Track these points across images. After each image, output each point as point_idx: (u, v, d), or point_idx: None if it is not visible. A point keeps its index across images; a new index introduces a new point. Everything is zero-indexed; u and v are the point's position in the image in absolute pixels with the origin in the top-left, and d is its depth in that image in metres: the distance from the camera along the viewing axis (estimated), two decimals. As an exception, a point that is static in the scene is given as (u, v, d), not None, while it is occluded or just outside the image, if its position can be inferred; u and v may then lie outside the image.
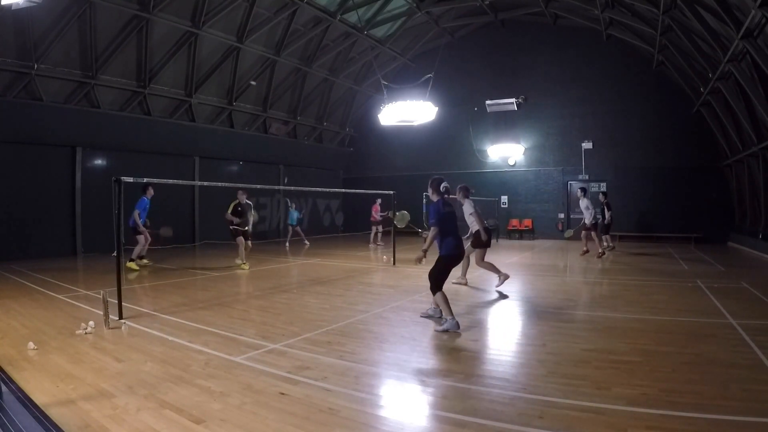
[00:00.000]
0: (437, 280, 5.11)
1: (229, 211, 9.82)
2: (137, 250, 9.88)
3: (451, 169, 19.12)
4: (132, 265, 9.63)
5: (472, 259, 7.60)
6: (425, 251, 5.15)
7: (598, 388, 3.32)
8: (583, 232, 12.13)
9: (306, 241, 16.19)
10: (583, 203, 11.77)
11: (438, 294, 5.08)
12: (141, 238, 9.82)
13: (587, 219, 11.77)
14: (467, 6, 16.86)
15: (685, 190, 15.68)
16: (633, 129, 16.46)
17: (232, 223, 9.83)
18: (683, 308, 5.97)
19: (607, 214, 12.27)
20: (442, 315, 5.10)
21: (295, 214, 16.15)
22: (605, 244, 12.39)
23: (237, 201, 9.87)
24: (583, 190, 12.13)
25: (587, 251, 11.92)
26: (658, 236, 15.85)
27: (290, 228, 16.20)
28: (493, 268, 7.40)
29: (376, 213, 15.76)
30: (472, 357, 4.20)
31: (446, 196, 5.31)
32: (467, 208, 7.38)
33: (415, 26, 17.90)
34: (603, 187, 16.94)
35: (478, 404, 3.10)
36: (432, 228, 5.14)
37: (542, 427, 2.75)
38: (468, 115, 19.07)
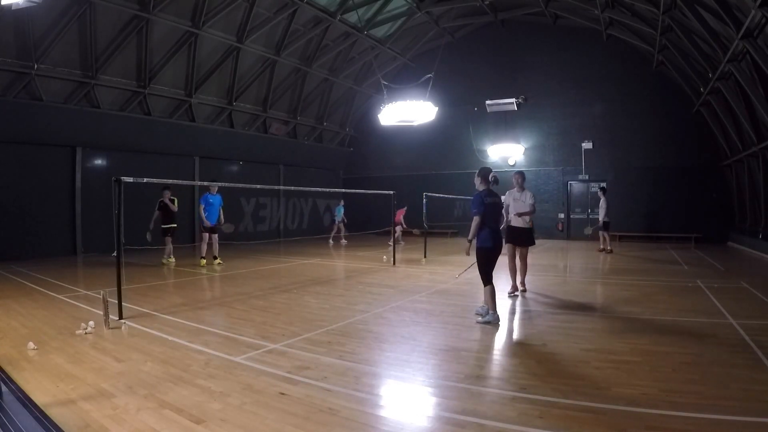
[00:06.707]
0: (482, 273, 5.24)
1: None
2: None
3: (451, 169, 19.15)
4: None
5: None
6: (470, 241, 5.24)
7: (598, 388, 3.32)
8: None
9: (332, 240, 16.90)
10: None
11: (486, 287, 5.20)
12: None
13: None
14: (467, 6, 16.86)
15: (685, 190, 15.67)
16: (633, 129, 16.44)
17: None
18: (683, 308, 5.97)
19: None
20: (488, 313, 5.23)
21: (341, 211, 16.61)
22: None
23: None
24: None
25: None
26: (658, 236, 15.84)
27: (340, 225, 16.65)
28: None
29: (400, 215, 16.11)
30: (472, 357, 4.19)
31: (493, 186, 5.37)
32: None
33: (415, 26, 17.87)
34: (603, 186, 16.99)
35: (478, 404, 3.10)
36: (474, 218, 5.16)
37: (542, 427, 2.75)
38: (468, 115, 19.04)
